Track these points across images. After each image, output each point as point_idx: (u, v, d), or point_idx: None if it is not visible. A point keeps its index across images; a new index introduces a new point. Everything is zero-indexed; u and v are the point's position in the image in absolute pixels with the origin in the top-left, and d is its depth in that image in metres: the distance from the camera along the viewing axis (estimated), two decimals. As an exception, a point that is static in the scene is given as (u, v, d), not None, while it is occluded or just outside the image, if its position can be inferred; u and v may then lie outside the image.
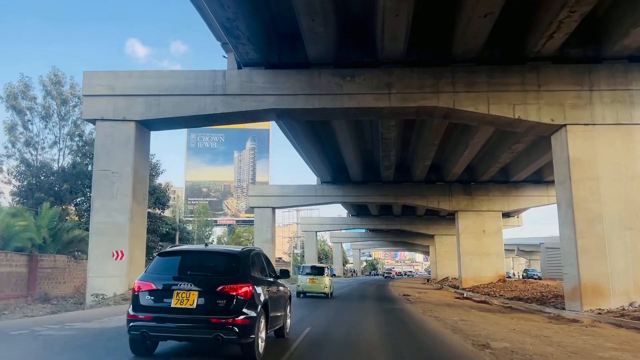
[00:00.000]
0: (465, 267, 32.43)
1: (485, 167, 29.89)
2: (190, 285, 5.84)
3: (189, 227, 40.25)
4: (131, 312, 5.91)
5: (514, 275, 74.84)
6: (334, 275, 50.10)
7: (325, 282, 20.62)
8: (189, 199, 52.42)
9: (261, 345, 6.27)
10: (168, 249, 7.03)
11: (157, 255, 6.72)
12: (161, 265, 6.32)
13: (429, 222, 51.41)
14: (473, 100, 14.70)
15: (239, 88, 15.31)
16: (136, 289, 6.02)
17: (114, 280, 14.62)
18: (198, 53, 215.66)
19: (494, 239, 32.52)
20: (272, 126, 54.47)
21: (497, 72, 14.80)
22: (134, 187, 15.43)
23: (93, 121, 15.94)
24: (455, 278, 49.45)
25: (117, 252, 14.89)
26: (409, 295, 23.00)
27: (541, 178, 32.41)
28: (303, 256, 63.70)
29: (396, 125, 21.26)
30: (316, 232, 53.63)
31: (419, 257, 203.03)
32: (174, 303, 5.75)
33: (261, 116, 16.13)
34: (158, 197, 25.73)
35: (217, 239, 47.08)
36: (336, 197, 34.08)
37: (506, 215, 55.84)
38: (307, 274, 20.95)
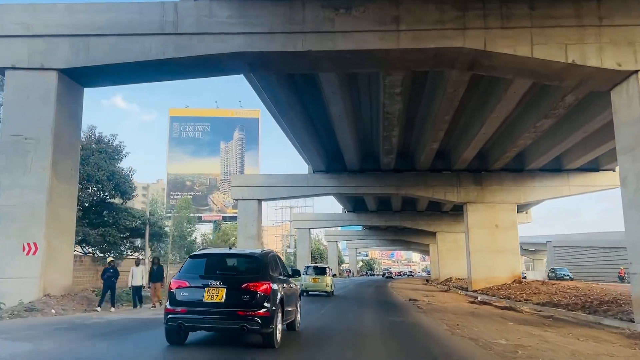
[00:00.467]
0: (475, 267, 28.64)
1: (500, 151, 26.14)
2: (219, 282, 6.91)
3: (168, 223, 36.24)
4: (168, 307, 6.98)
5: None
6: (335, 275, 46.41)
7: (326, 281, 22.16)
8: (171, 193, 48.38)
9: (278, 335, 7.23)
10: (197, 252, 8.18)
11: (189, 257, 7.82)
12: (192, 266, 7.40)
13: (430, 218, 47.71)
14: (511, 39, 10.91)
15: (196, 25, 11.57)
16: (173, 287, 7.09)
17: (22, 283, 10.71)
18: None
19: (508, 235, 28.75)
20: (261, 115, 50.76)
21: (543, 1, 10.99)
22: (55, 158, 11.60)
23: (2, 70, 12.01)
24: (459, 278, 45.77)
25: (28, 244, 10.97)
26: (417, 301, 19.18)
27: (561, 166, 28.70)
28: (295, 255, 59.95)
29: (402, 93, 17.43)
30: (309, 229, 49.82)
31: (415, 256, 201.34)
32: (205, 298, 6.82)
33: (226, 65, 12.22)
34: (118, 183, 21.76)
35: (201, 236, 43.23)
36: (330, 187, 30.23)
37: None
38: (310, 273, 22.53)
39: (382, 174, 29.87)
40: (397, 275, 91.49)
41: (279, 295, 7.24)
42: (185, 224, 40.72)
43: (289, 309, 8.20)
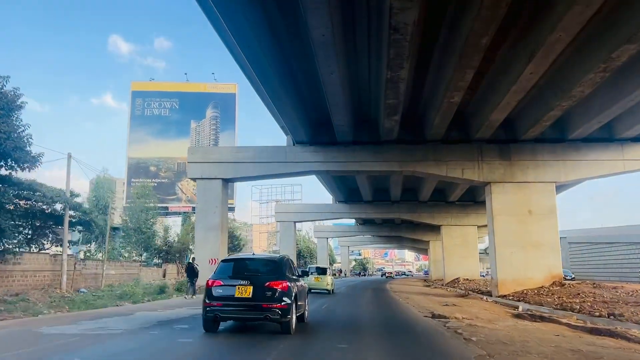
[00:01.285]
0: (502, 265, 22.09)
1: (537, 114, 19.70)
2: (247, 282, 8.75)
3: (116, 212, 29.33)
4: (206, 301, 8.81)
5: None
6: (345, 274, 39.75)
7: (327, 281, 24.69)
8: (132, 180, 41.25)
9: (293, 323, 9.08)
10: (228, 257, 10.79)
11: (221, 261, 9.96)
12: (224, 268, 9.36)
13: (434, 209, 41.29)
14: None
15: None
16: (210, 285, 8.95)
17: None
18: (184, 47, 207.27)
19: (544, 224, 22.23)
20: (239, 90, 43.85)
21: None
22: None
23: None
24: (467, 279, 39.33)
25: None
26: (446, 319, 12.26)
27: (612, 135, 22.28)
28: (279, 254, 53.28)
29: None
30: (294, 222, 43.16)
31: (409, 256, 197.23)
32: (236, 294, 8.65)
33: None
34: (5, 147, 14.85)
35: (163, 230, 36.34)
36: (314, 163, 23.54)
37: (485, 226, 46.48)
38: (313, 273, 24.27)
39: (382, 146, 23.22)
40: (397, 275, 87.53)
41: (293, 292, 9.09)
42: (143, 214, 33.82)
43: (300, 303, 10.14)
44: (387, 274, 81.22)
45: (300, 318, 10.38)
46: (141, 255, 34.80)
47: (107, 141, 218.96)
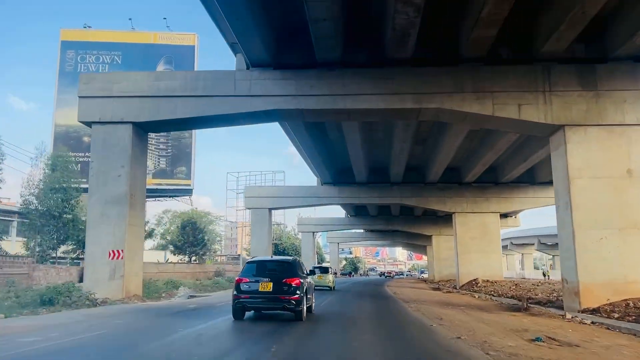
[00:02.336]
0: (586, 258, 13.36)
1: None
2: (268, 279, 10.67)
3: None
4: (236, 294, 10.71)
5: (546, 276, 56.50)
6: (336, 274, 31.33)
7: (329, 279, 27.78)
8: (61, 153, 32.38)
9: (304, 312, 10.92)
10: (251, 259, 12.33)
11: (247, 263, 11.90)
12: (249, 268, 11.21)
13: (446, 192, 32.75)
14: None
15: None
16: (238, 281, 10.83)
17: None
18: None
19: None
20: (199, 43, 34.76)
21: None
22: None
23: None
24: (489, 280, 30.76)
25: None
26: None
27: None
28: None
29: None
30: (269, 209, 34.20)
31: (401, 255, 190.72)
32: (259, 288, 10.57)
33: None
34: None
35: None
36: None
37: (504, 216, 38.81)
38: (317, 272, 26.18)
39: (389, 71, 14.43)
40: (396, 275, 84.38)
41: (304, 287, 11.00)
42: (60, 194, 24.67)
43: (309, 297, 11.97)
44: (386, 274, 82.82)
45: (309, 309, 12.01)
46: (55, 249, 25.67)
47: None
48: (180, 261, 39.01)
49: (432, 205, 33.09)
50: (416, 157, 29.84)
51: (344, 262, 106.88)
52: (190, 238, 38.51)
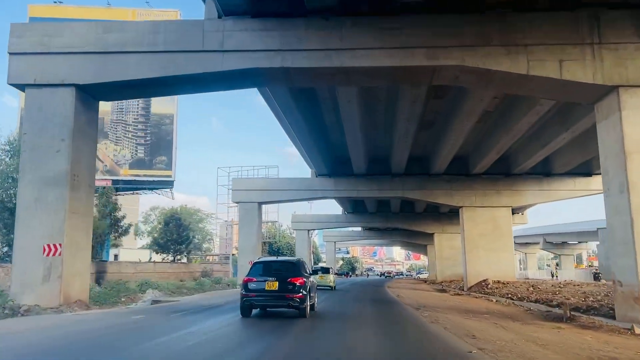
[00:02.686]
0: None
1: None
2: (274, 278, 11.23)
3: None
4: (244, 292, 11.34)
5: (554, 276, 53.65)
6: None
7: (330, 278, 28.26)
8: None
9: (307, 310, 11.59)
10: (258, 260, 12.78)
11: (254, 263, 12.39)
12: (256, 268, 11.81)
13: (453, 185, 29.86)
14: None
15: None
16: (246, 281, 11.44)
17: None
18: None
19: None
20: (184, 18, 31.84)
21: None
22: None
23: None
24: (500, 281, 27.85)
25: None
26: None
27: None
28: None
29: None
30: (259, 203, 31.16)
31: (398, 255, 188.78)
32: (266, 287, 11.14)
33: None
34: None
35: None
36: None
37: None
38: (319, 272, 27.40)
39: (396, 20, 11.46)
40: (396, 275, 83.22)
41: (307, 286, 11.61)
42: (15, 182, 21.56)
43: (312, 295, 12.52)
44: (386, 274, 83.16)
45: (311, 307, 12.46)
46: (10, 245, 22.62)
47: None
48: (164, 260, 36.01)
49: (437, 198, 30.14)
50: (421, 146, 26.94)
51: (340, 262, 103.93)
52: (174, 235, 35.47)
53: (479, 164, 27.58)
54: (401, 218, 48.44)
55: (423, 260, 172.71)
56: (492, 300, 19.13)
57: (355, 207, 47.89)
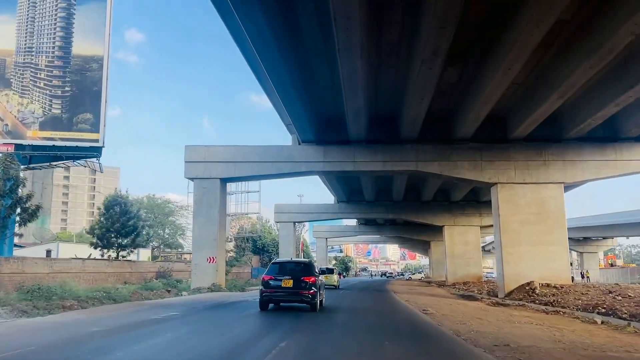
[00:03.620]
0: None
1: None
2: (289, 277, 13.09)
3: None
4: (263, 289, 13.12)
5: (585, 277, 46.01)
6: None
7: (334, 278, 30.55)
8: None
9: (318, 305, 13.45)
10: (275, 261, 15.10)
11: (271, 263, 14.56)
12: (273, 268, 13.76)
13: (484, 153, 21.97)
14: None
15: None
16: (265, 279, 13.27)
17: None
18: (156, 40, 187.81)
19: None
20: None
21: None
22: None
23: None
24: (550, 285, 20.14)
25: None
26: None
27: None
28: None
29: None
30: (222, 180, 22.93)
31: (393, 255, 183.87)
32: (282, 285, 12.95)
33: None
34: None
35: None
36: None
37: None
38: (324, 273, 26.75)
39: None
40: (398, 275, 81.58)
41: (318, 284, 13.58)
42: None
43: (321, 292, 14.19)
44: (387, 274, 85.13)
45: (320, 303, 14.00)
46: None
47: None
48: (103, 257, 27.86)
49: (463, 173, 22.26)
50: (444, 100, 19.23)
51: (333, 262, 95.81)
52: (117, 225, 27.33)
53: (522, 124, 19.81)
54: (405, 208, 40.69)
55: (419, 260, 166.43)
56: (577, 318, 11.26)
57: (350, 195, 40.08)
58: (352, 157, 22.33)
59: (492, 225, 49.26)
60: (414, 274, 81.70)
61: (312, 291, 13.02)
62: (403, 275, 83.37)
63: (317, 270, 14.94)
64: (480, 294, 24.79)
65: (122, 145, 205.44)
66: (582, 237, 55.33)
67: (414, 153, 22.25)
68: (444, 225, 40.49)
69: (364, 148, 22.31)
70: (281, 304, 13.93)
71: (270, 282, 13.10)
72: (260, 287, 13.35)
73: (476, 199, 39.76)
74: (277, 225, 65.44)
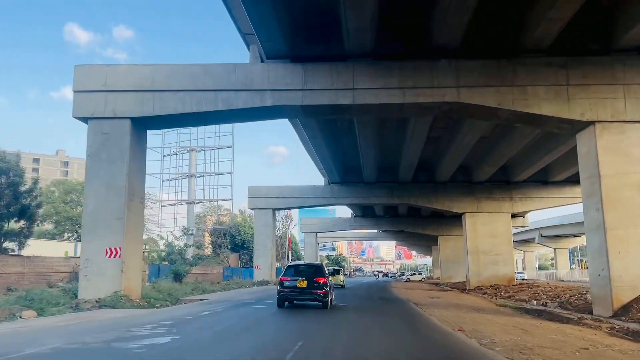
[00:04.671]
0: None
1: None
2: (303, 277, 14.44)
3: None
4: (280, 289, 14.51)
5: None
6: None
7: (340, 278, 30.56)
8: None
9: (329, 303, 14.70)
10: (291, 264, 18.73)
11: (287, 266, 17.12)
12: (289, 270, 15.37)
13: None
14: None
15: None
16: (282, 280, 14.69)
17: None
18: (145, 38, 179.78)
19: None
20: None
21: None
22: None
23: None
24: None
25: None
26: None
27: None
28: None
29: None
30: (132, 120, 13.82)
31: (387, 254, 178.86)
32: (297, 285, 14.28)
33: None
34: None
35: None
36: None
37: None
38: (331, 273, 24.81)
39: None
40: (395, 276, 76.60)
41: (329, 284, 14.88)
42: None
43: (331, 292, 15.52)
44: (391, 275, 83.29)
45: (330, 301, 15.21)
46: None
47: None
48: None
49: (535, 106, 13.24)
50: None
51: (325, 261, 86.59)
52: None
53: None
54: (414, 190, 31.83)
55: (414, 260, 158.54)
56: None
57: (345, 175, 31.16)
58: (351, 83, 13.30)
59: (523, 215, 41.08)
60: (413, 274, 73.12)
61: (323, 291, 14.31)
62: (403, 275, 74.62)
63: (327, 271, 16.04)
64: (545, 305, 15.91)
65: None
66: (556, 235, 46.91)
67: (453, 74, 13.28)
68: (464, 213, 31.57)
69: (369, 66, 13.36)
70: (295, 302, 14.95)
71: (286, 282, 14.48)
72: (277, 287, 14.89)
73: (506, 179, 31.03)
74: (242, 212, 56.36)
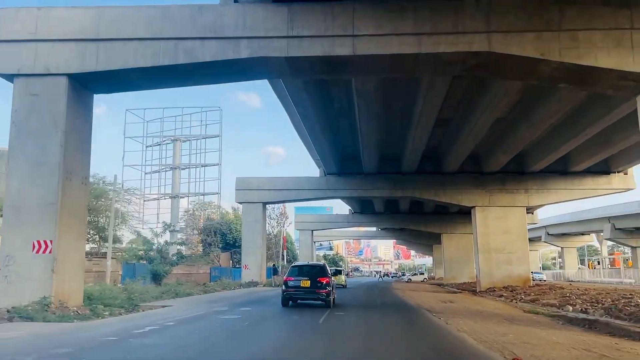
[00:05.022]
0: None
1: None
2: (307, 277, 15.05)
3: None
4: (284, 288, 15.11)
5: None
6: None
7: (342, 278, 31.37)
8: None
9: (332, 303, 15.27)
10: (294, 264, 18.33)
11: (291, 266, 17.54)
12: (293, 270, 16.04)
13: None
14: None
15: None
16: (286, 280, 15.36)
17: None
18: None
19: None
20: None
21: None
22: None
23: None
24: None
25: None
26: None
27: None
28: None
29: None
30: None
31: (385, 254, 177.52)
32: (301, 285, 14.87)
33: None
34: None
35: None
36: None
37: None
38: (333, 273, 24.18)
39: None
40: (394, 276, 74.84)
41: (331, 284, 15.53)
42: None
43: (333, 291, 16.00)
44: (392, 275, 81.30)
45: (333, 300, 15.62)
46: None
47: None
48: None
49: (590, 56, 10.28)
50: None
51: (322, 261, 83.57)
52: None
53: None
54: (418, 182, 28.85)
55: (413, 259, 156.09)
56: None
57: (343, 165, 28.00)
58: (351, 27, 10.28)
59: (532, 211, 38.05)
60: (414, 274, 70.21)
61: (326, 290, 14.86)
62: (403, 275, 71.72)
63: (329, 272, 16.48)
64: (586, 312, 12.90)
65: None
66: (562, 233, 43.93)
67: (483, 16, 10.28)
68: (474, 207, 28.59)
69: (375, 6, 10.32)
70: (299, 301, 15.25)
71: (291, 282, 15.02)
72: (282, 286, 15.59)
73: (521, 169, 28.06)
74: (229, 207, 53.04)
